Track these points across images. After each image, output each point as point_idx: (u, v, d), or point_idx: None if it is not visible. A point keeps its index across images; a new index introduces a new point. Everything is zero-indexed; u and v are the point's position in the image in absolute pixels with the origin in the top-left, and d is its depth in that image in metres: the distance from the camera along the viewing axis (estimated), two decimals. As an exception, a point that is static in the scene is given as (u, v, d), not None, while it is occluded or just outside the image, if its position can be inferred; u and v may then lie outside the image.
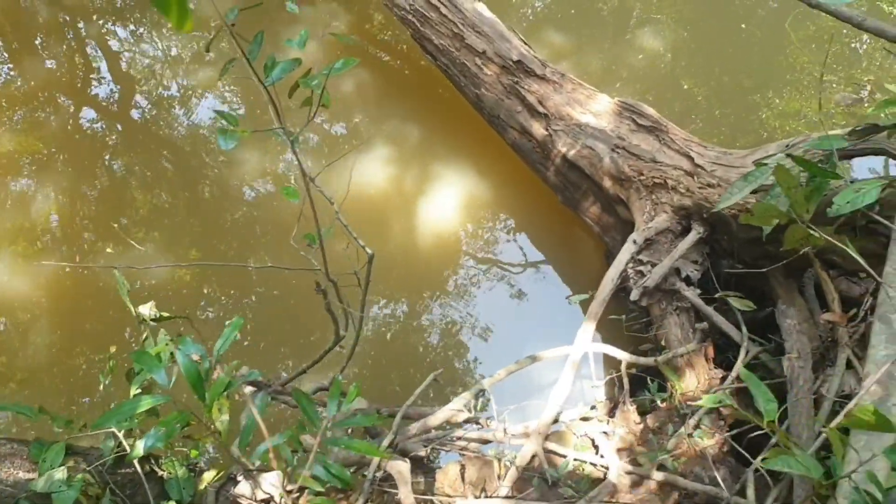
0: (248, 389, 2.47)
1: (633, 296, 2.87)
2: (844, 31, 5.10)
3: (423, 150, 4.47)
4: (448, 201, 4.27)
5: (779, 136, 4.58)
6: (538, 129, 3.80)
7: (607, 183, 3.53)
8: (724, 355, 3.10)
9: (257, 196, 4.29)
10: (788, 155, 2.24)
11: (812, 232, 2.03)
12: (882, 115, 2.23)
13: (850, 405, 1.64)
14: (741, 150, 3.50)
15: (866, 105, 4.17)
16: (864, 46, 5.12)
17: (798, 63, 5.01)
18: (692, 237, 2.98)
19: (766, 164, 2.28)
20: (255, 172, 4.35)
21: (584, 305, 3.93)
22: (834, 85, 4.83)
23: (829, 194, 2.17)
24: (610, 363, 3.29)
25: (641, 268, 2.93)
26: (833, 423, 1.57)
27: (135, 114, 4.84)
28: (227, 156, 4.36)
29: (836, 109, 4.42)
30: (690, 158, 3.42)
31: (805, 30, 5.24)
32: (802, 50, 5.07)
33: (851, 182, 2.19)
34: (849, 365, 2.44)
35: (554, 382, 2.85)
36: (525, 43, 4.04)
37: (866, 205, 2.02)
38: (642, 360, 2.84)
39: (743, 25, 5.21)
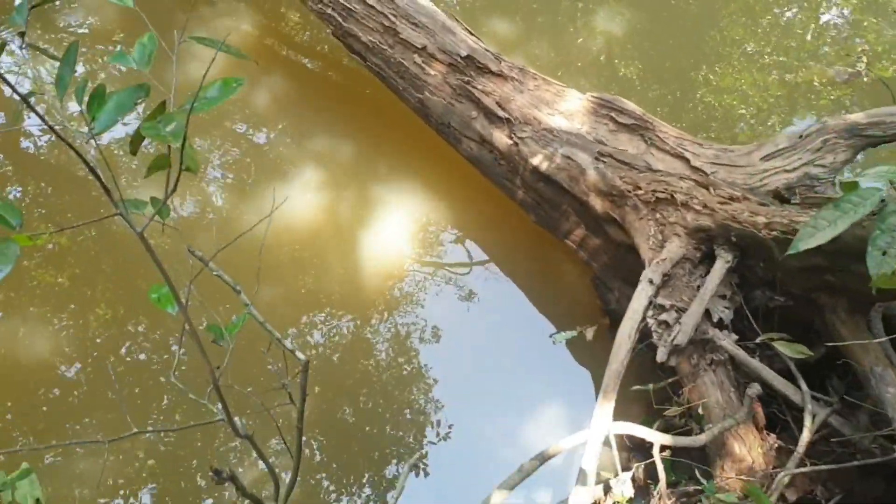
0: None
1: (660, 356, 2.19)
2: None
3: (361, 171, 3.71)
4: (396, 230, 3.53)
5: (717, 112, 4.07)
6: (500, 137, 3.09)
7: (594, 200, 2.85)
8: (767, 410, 2.46)
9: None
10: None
11: None
12: None
13: None
14: (741, 146, 2.89)
15: (865, 79, 3.60)
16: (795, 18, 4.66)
17: (732, 36, 4.49)
18: (720, 268, 2.32)
19: (856, 182, 1.63)
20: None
21: (572, 345, 3.28)
22: (808, 63, 4.34)
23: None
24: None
25: (665, 315, 2.25)
26: None
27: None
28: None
29: (828, 86, 3.84)
30: (686, 161, 2.79)
31: (736, 1, 4.73)
32: (736, 24, 4.57)
33: None
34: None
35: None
36: (471, 33, 3.32)
37: None
38: (682, 440, 2.17)
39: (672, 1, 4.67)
